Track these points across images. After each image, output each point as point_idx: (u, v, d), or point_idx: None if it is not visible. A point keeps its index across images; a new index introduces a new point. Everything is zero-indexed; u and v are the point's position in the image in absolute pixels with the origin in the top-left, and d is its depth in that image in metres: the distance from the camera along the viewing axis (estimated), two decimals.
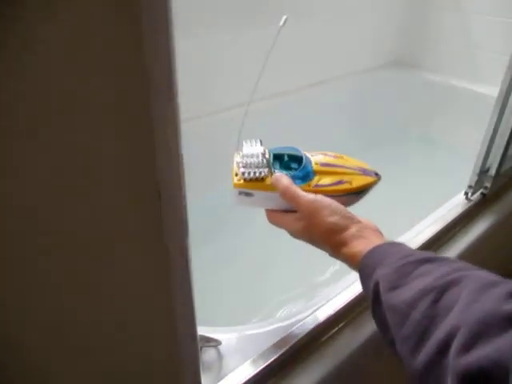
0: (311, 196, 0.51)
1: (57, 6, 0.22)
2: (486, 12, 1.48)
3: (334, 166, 0.58)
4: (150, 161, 0.29)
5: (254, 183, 0.53)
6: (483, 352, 0.30)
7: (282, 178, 0.53)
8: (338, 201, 0.52)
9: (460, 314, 0.34)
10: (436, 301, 0.36)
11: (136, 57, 0.26)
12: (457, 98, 1.55)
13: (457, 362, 0.31)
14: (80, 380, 0.34)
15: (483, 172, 0.88)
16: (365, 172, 0.60)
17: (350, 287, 0.67)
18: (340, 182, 0.56)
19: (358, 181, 0.58)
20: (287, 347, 0.57)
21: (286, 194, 0.52)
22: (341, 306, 0.63)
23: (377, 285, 0.42)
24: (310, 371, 0.58)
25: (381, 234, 0.51)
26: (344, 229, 0.49)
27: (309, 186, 0.54)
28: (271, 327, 0.61)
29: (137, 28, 0.25)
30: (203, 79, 1.16)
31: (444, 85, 1.60)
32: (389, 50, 1.72)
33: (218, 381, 0.52)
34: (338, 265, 1.12)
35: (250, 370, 0.54)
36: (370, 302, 0.43)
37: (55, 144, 0.25)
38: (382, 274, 0.42)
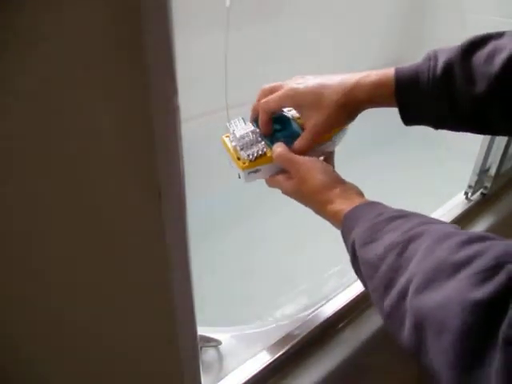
0: (304, 158, 0.54)
1: (60, 4, 0.22)
2: (485, 12, 1.48)
3: None
4: (150, 161, 0.29)
5: (258, 161, 0.56)
6: (432, 295, 0.34)
7: (277, 147, 0.56)
8: (320, 149, 0.58)
9: (418, 263, 0.37)
10: (400, 254, 0.39)
11: (136, 56, 0.26)
12: None
13: (411, 304, 0.35)
14: (80, 380, 0.34)
15: (483, 172, 0.88)
16: None
17: (350, 287, 0.67)
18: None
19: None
20: (287, 347, 0.57)
21: (280, 159, 0.55)
22: (341, 306, 0.63)
23: (353, 243, 0.45)
24: (311, 371, 0.58)
25: (363, 195, 0.53)
26: (330, 188, 0.51)
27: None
28: (271, 327, 0.61)
29: (137, 28, 0.25)
30: (203, 79, 1.16)
31: None
32: (389, 50, 1.72)
33: (218, 381, 0.52)
34: (339, 266, 1.12)
35: (250, 369, 0.54)
36: (350, 260, 0.47)
37: (55, 144, 0.25)
38: (357, 232, 0.45)
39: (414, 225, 0.42)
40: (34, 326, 0.29)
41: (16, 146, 0.24)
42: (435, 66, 0.50)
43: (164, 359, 0.38)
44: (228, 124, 0.60)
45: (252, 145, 0.57)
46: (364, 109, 0.55)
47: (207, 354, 0.56)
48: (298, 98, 0.56)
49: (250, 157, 0.56)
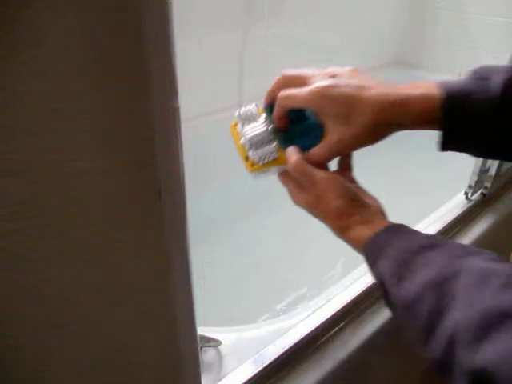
0: (323, 174, 0.48)
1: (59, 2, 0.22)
2: (485, 12, 1.48)
3: None
4: (150, 161, 0.29)
5: (268, 164, 0.51)
6: (489, 348, 0.31)
7: (292, 154, 0.50)
8: None
9: (460, 309, 0.34)
10: (439, 296, 0.37)
11: (136, 56, 0.26)
12: None
13: (463, 360, 0.32)
14: (79, 380, 0.34)
15: (483, 172, 0.88)
16: None
17: (350, 287, 0.67)
18: None
19: None
20: (287, 347, 0.57)
21: (296, 171, 0.49)
22: (341, 306, 0.63)
23: (381, 277, 0.42)
24: (311, 371, 0.58)
25: (385, 215, 0.50)
26: (349, 214, 0.47)
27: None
28: (271, 327, 0.61)
29: (137, 28, 0.25)
30: (203, 79, 1.16)
31: None
32: (389, 50, 1.72)
33: (218, 381, 0.52)
34: (339, 266, 1.12)
35: (249, 369, 0.54)
36: (381, 294, 0.44)
37: (55, 143, 0.25)
38: (384, 265, 0.42)
39: (448, 260, 0.39)
40: (30, 325, 0.29)
41: (17, 145, 0.24)
42: (488, 85, 0.44)
43: (164, 359, 0.38)
44: (238, 111, 0.52)
45: (263, 144, 0.50)
46: (400, 131, 0.48)
47: (207, 354, 0.56)
48: (326, 105, 0.47)
49: (261, 162, 0.50)
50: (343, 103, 0.46)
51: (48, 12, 0.22)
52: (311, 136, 0.50)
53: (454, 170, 1.08)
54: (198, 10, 1.10)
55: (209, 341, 0.56)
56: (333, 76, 0.49)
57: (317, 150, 0.50)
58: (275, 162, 0.51)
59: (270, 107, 0.52)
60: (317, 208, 0.49)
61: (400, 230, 0.46)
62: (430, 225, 0.82)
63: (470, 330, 0.33)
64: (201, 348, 0.54)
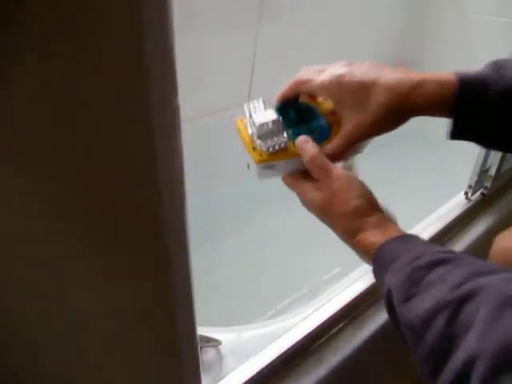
0: (342, 172, 0.47)
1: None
2: (485, 12, 1.48)
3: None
4: (150, 161, 0.29)
5: (277, 154, 0.48)
6: None
7: (308, 144, 0.48)
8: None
9: (478, 339, 0.30)
10: (452, 319, 0.33)
11: (136, 56, 0.26)
12: None
13: None
14: (79, 379, 0.34)
15: (483, 172, 0.88)
16: None
17: (350, 287, 0.67)
18: None
19: None
20: (287, 347, 0.57)
21: (313, 163, 0.47)
22: (341, 306, 0.63)
23: (389, 293, 0.40)
24: (311, 371, 0.58)
25: (396, 223, 0.48)
26: (366, 214, 0.45)
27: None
28: (271, 327, 0.61)
29: (137, 27, 0.25)
30: (204, 79, 1.16)
31: None
32: (389, 49, 1.72)
33: (218, 381, 0.52)
34: (339, 266, 1.12)
35: (249, 369, 0.54)
36: (386, 309, 0.41)
37: (55, 145, 0.25)
38: (392, 281, 0.39)
39: (463, 277, 0.35)
40: (28, 323, 0.29)
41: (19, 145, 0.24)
42: (503, 76, 0.44)
43: (164, 359, 0.38)
44: (246, 106, 0.51)
45: (273, 134, 0.48)
46: (416, 116, 0.47)
47: (207, 354, 0.56)
48: (342, 92, 0.47)
49: (270, 149, 0.48)
50: (360, 89, 0.46)
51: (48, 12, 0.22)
52: (321, 134, 0.49)
53: (454, 170, 1.08)
54: (198, 10, 1.10)
55: (209, 341, 0.56)
56: (348, 64, 0.48)
57: (332, 144, 0.48)
58: (284, 153, 0.49)
59: (281, 108, 0.51)
60: (330, 208, 0.46)
61: (412, 240, 0.43)
62: (430, 225, 0.82)
63: (489, 362, 0.29)
64: (201, 348, 0.54)
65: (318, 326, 0.60)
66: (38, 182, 0.26)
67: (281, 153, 0.49)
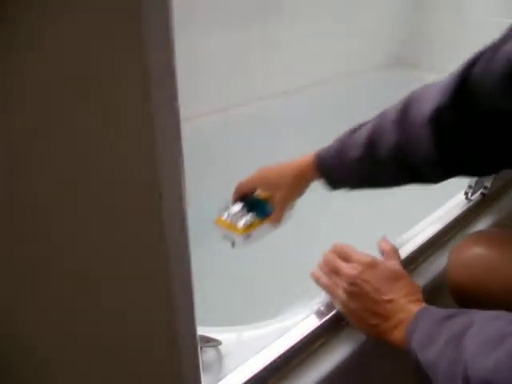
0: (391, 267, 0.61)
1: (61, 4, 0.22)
2: (485, 12, 1.48)
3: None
4: (150, 161, 0.29)
5: (250, 227, 0.73)
6: None
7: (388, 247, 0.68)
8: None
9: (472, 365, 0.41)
10: (456, 346, 0.44)
11: (136, 56, 0.26)
12: None
13: None
14: (79, 379, 0.34)
15: None
16: None
17: None
18: None
19: None
20: (287, 347, 0.57)
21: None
22: None
23: (413, 351, 0.51)
24: (311, 371, 0.58)
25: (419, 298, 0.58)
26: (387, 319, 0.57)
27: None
28: (271, 327, 0.61)
29: (137, 27, 0.25)
30: (205, 79, 1.16)
31: None
32: (389, 50, 1.72)
33: (218, 381, 0.52)
34: None
35: (250, 369, 0.54)
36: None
37: (55, 144, 0.25)
38: (414, 343, 0.51)
39: (466, 319, 0.47)
40: (33, 317, 0.29)
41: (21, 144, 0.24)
42: (346, 156, 0.67)
43: (164, 359, 0.38)
44: (221, 209, 0.77)
45: (242, 216, 0.73)
46: (312, 181, 0.72)
47: (207, 354, 0.56)
48: (265, 180, 0.73)
49: (243, 225, 0.73)
50: (274, 175, 0.73)
51: (46, 11, 0.22)
52: (265, 212, 0.75)
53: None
54: (198, 10, 1.10)
55: (209, 341, 0.56)
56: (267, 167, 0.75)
57: (272, 216, 0.73)
58: (253, 225, 0.73)
59: (241, 199, 0.77)
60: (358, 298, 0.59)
61: (428, 312, 0.54)
62: (430, 225, 0.82)
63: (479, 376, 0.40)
64: (201, 348, 0.54)
65: (318, 326, 0.60)
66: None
67: (250, 226, 0.73)
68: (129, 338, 0.36)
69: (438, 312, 0.52)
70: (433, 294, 0.75)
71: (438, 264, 0.78)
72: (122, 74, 0.26)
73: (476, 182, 0.88)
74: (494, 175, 0.88)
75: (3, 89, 0.23)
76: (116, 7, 0.24)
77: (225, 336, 0.58)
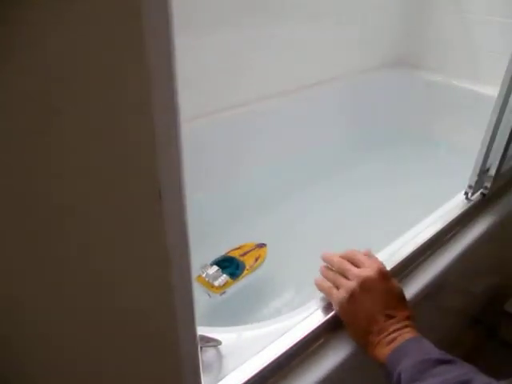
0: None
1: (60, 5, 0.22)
2: (485, 12, 1.48)
3: (246, 252, 1.06)
4: (150, 161, 0.29)
5: (224, 286, 0.94)
6: None
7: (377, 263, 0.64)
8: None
9: None
10: None
11: (136, 56, 0.26)
12: (457, 98, 1.55)
13: None
14: (79, 380, 0.34)
15: (483, 172, 0.87)
16: (259, 246, 1.09)
17: None
18: (257, 259, 1.05)
19: (262, 252, 1.07)
20: (287, 347, 0.57)
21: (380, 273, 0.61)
22: None
23: (399, 375, 0.52)
24: (311, 371, 0.58)
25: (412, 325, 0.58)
26: (381, 332, 0.57)
27: (247, 270, 1.01)
28: (271, 327, 0.61)
29: (137, 27, 0.25)
30: (204, 79, 1.16)
31: (444, 85, 1.60)
32: (389, 50, 1.72)
33: (218, 381, 0.52)
34: None
35: (249, 369, 0.53)
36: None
37: (55, 145, 0.25)
38: (404, 366, 0.52)
39: (456, 376, 0.48)
40: (35, 323, 0.29)
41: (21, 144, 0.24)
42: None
43: (164, 359, 0.38)
44: (201, 270, 0.96)
45: (218, 276, 0.94)
46: None
47: (207, 354, 0.55)
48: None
49: (219, 284, 0.94)
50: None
51: (46, 12, 0.22)
52: (239, 268, 0.99)
53: (454, 170, 1.08)
54: (197, 9, 1.10)
55: (209, 341, 0.56)
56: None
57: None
58: (227, 284, 0.95)
59: (218, 263, 1.00)
60: (355, 308, 0.60)
61: (420, 341, 0.55)
62: (430, 225, 0.82)
63: None
64: (201, 348, 0.54)
65: (318, 326, 0.60)
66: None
67: (224, 286, 0.94)
68: (129, 338, 0.36)
69: (431, 349, 0.54)
70: (432, 294, 0.75)
71: (438, 264, 0.78)
72: (122, 74, 0.26)
73: (476, 182, 0.88)
74: (493, 175, 0.88)
75: (3, 89, 0.23)
76: (116, 7, 0.24)
77: (225, 336, 0.58)
